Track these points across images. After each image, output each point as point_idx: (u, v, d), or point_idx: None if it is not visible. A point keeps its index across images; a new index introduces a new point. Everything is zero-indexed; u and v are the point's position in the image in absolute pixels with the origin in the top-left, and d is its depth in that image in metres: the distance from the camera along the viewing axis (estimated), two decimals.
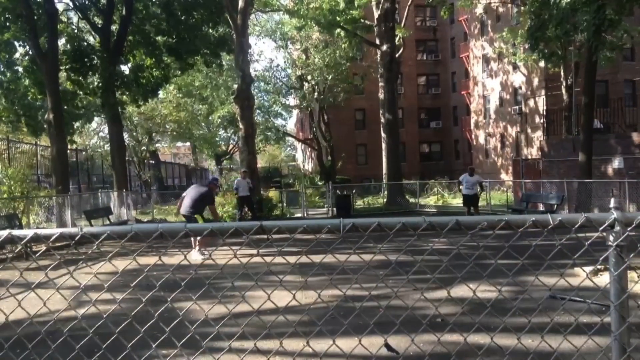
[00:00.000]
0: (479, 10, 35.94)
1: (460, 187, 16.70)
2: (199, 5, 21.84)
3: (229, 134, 47.60)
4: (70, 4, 22.90)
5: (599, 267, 6.34)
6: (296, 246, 8.68)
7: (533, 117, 33.10)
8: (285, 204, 23.41)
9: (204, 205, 10.67)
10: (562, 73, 26.06)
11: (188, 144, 53.94)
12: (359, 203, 24.78)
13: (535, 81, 32.96)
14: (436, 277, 3.53)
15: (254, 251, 9.12)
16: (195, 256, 9.64)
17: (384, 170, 25.49)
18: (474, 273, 5.75)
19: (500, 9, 34.97)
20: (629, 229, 1.81)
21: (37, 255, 9.71)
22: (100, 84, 20.99)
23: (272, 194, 24.34)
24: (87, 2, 21.79)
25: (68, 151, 22.16)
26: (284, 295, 2.74)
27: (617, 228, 1.80)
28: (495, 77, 37.81)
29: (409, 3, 29.73)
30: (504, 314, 4.84)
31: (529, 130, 33.51)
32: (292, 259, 2.75)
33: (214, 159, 52.79)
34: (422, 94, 46.76)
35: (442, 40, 46.81)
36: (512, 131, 36.06)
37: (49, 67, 17.82)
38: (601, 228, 1.81)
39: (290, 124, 58.22)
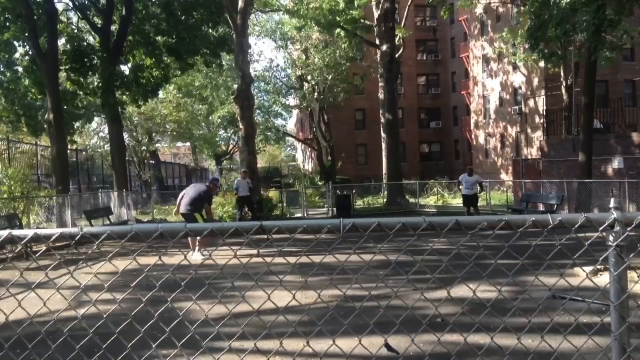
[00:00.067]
0: (479, 10, 35.94)
1: (460, 187, 16.71)
2: (199, 5, 21.84)
3: (229, 134, 47.63)
4: (70, 4, 22.91)
5: (598, 267, 6.34)
6: (296, 246, 8.69)
7: (533, 117, 33.10)
8: (285, 204, 23.41)
9: (203, 204, 10.64)
10: (562, 73, 26.06)
11: (188, 144, 53.94)
12: (359, 203, 24.78)
13: (535, 81, 32.96)
14: (436, 277, 3.53)
15: (254, 251, 9.12)
16: (195, 256, 9.64)
17: (384, 170, 25.49)
18: (474, 273, 5.76)
19: (500, 9, 34.97)
20: (628, 229, 1.81)
21: (37, 255, 9.71)
22: (100, 84, 20.99)
23: (272, 194, 24.34)
24: (86, 2, 21.79)
25: (68, 151, 22.16)
26: (284, 295, 2.75)
27: (617, 228, 1.80)
28: (495, 77, 37.81)
29: (409, 3, 29.73)
30: (504, 314, 4.84)
31: (529, 130, 33.51)
32: (292, 259, 2.75)
33: (214, 159, 52.79)
34: (422, 94, 46.76)
35: (442, 40, 46.81)
36: (512, 131, 36.06)
37: (48, 67, 17.81)
38: (601, 228, 1.81)
39: (290, 124, 58.30)
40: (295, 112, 50.05)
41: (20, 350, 3.16)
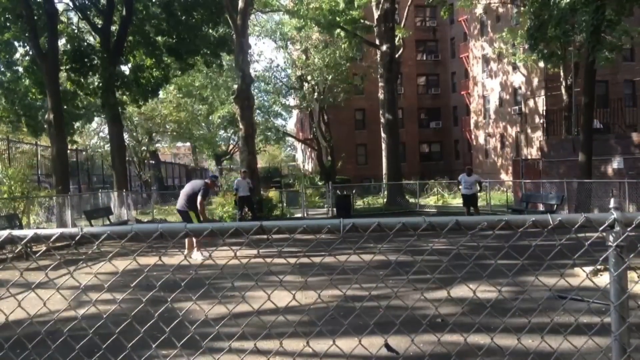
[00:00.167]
0: (479, 10, 35.94)
1: (460, 187, 16.72)
2: (199, 5, 21.85)
3: (229, 134, 47.64)
4: (70, 4, 22.90)
5: (599, 267, 6.34)
6: (296, 246, 8.69)
7: (533, 117, 33.11)
8: (285, 204, 23.41)
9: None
10: (561, 73, 26.06)
11: (188, 144, 53.95)
12: (359, 203, 24.78)
13: (535, 81, 32.96)
14: (436, 277, 3.53)
15: (254, 251, 9.12)
16: (195, 255, 9.63)
17: (384, 170, 25.49)
18: (473, 273, 5.76)
19: (500, 10, 34.98)
20: (628, 229, 1.81)
21: (37, 255, 9.71)
22: (100, 84, 20.99)
23: (272, 194, 24.34)
24: (87, 2, 21.79)
25: (68, 151, 22.16)
26: (284, 296, 2.75)
27: (617, 228, 1.80)
28: (495, 78, 37.82)
29: (408, 3, 29.74)
30: (504, 314, 4.83)
31: (529, 131, 33.52)
32: (292, 259, 2.75)
33: (214, 159, 52.80)
34: (422, 94, 46.78)
35: (442, 41, 46.82)
36: (512, 131, 36.07)
37: (49, 67, 17.82)
38: (601, 228, 1.81)
39: (290, 124, 58.31)
40: (295, 112, 50.06)
41: (20, 350, 3.16)
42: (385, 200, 24.35)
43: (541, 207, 16.67)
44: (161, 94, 32.85)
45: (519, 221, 1.83)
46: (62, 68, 20.27)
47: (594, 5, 14.80)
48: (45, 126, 19.73)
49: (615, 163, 17.61)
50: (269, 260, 7.69)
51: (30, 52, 20.22)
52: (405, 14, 29.63)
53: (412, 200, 23.89)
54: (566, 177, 18.20)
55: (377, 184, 28.56)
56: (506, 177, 32.96)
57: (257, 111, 38.21)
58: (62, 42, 21.49)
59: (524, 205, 17.00)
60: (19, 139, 26.30)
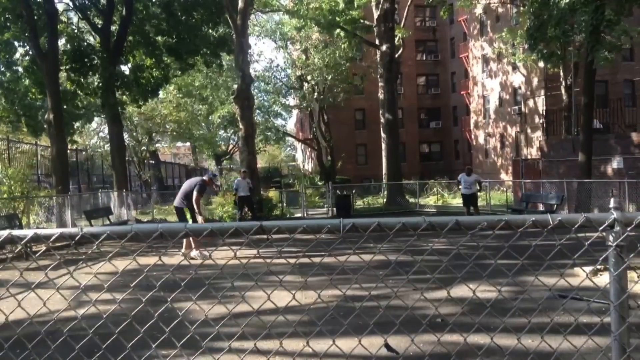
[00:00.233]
0: (479, 10, 35.94)
1: (459, 187, 16.73)
2: (199, 5, 21.85)
3: (229, 134, 47.62)
4: (70, 4, 22.91)
5: (598, 267, 6.34)
6: (296, 246, 8.69)
7: (533, 117, 33.11)
8: (285, 204, 23.41)
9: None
10: (561, 73, 26.07)
11: (188, 144, 53.94)
12: (359, 203, 24.79)
13: (535, 81, 32.97)
14: (436, 277, 3.53)
15: (254, 251, 9.12)
16: (194, 254, 9.62)
17: (384, 170, 25.50)
18: (473, 273, 5.76)
19: (500, 10, 34.97)
20: (628, 229, 1.81)
21: (37, 255, 9.71)
22: (100, 84, 20.99)
23: (272, 194, 24.35)
24: (87, 2, 21.80)
25: (68, 151, 22.17)
26: (284, 296, 2.75)
27: (617, 228, 1.80)
28: (495, 78, 37.83)
29: (408, 3, 29.74)
30: (503, 314, 4.83)
31: (529, 131, 33.52)
32: (292, 259, 2.75)
33: (214, 159, 52.80)
34: (421, 94, 46.78)
35: (441, 41, 46.82)
36: (512, 131, 36.07)
37: (49, 67, 17.82)
38: (601, 228, 1.81)
39: (290, 124, 58.31)
40: (295, 112, 50.06)
41: (20, 350, 3.16)
42: (385, 200, 24.35)
43: (541, 207, 16.67)
44: (161, 94, 32.86)
45: (519, 221, 1.83)
46: (62, 68, 20.27)
47: (593, 5, 14.80)
48: (45, 126, 19.73)
49: (615, 163, 17.61)
50: (268, 260, 7.70)
51: (30, 52, 20.22)
52: (405, 14, 29.63)
53: (412, 200, 23.89)
54: (566, 177, 18.21)
55: (377, 184, 28.56)
56: (506, 177, 32.97)
57: (257, 111, 38.23)
58: (62, 42, 21.50)
59: (524, 205, 17.01)
60: (19, 139, 26.30)
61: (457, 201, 22.62)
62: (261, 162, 49.52)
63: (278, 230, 1.85)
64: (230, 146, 50.52)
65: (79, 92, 22.09)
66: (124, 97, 22.84)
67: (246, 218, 16.17)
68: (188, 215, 10.31)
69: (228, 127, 42.90)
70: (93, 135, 39.59)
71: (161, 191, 34.36)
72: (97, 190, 21.77)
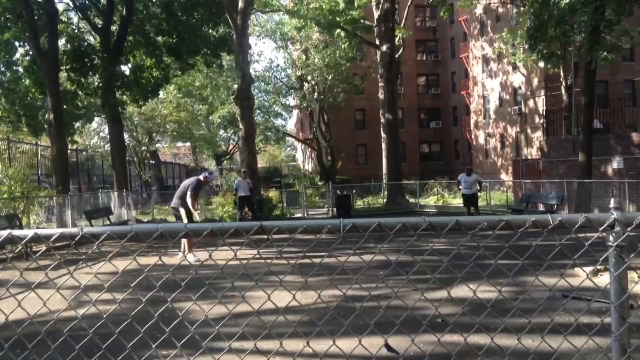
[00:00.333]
0: (479, 10, 35.94)
1: (460, 187, 16.73)
2: (199, 5, 21.85)
3: (229, 134, 47.64)
4: (71, 4, 22.92)
5: (599, 267, 6.34)
6: (296, 246, 8.68)
7: (533, 118, 33.11)
8: (285, 204, 23.41)
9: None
10: (561, 73, 26.07)
11: (188, 144, 53.97)
12: (359, 203, 24.79)
13: (535, 81, 32.96)
14: (436, 277, 3.53)
15: (255, 251, 9.12)
16: (189, 258, 9.44)
17: (384, 170, 25.49)
18: (474, 273, 5.76)
19: (500, 10, 34.98)
20: (629, 229, 1.81)
21: (37, 255, 9.71)
22: (100, 84, 21.00)
23: (272, 194, 24.35)
24: (87, 2, 21.80)
25: (68, 151, 22.17)
26: (284, 296, 2.74)
27: (617, 228, 1.80)
28: (495, 78, 37.82)
29: (408, 3, 29.74)
30: (504, 315, 4.84)
31: (529, 131, 33.52)
32: (292, 259, 2.75)
33: (214, 159, 52.82)
34: (422, 94, 46.79)
35: (441, 41, 46.83)
36: (512, 131, 36.07)
37: (49, 67, 17.82)
38: (601, 228, 1.81)
39: (290, 124, 58.30)
40: (295, 112, 50.07)
41: (20, 350, 3.16)
42: (385, 200, 24.35)
43: (541, 207, 16.67)
44: (161, 94, 32.86)
45: (519, 221, 1.83)
46: (62, 68, 20.27)
47: (593, 6, 14.80)
48: (45, 126, 19.73)
49: (615, 163, 17.61)
50: (269, 260, 7.70)
51: (30, 52, 20.22)
52: (405, 14, 29.63)
53: (412, 200, 23.89)
54: (566, 177, 18.20)
55: (377, 184, 28.56)
56: (506, 177, 32.97)
57: (257, 111, 38.22)
58: (62, 42, 21.51)
59: (524, 205, 17.00)
60: (19, 139, 26.29)
61: (458, 201, 22.62)
62: (261, 162, 49.51)
63: (278, 230, 1.85)
64: (231, 146, 50.53)
65: (79, 92, 22.10)
66: (124, 97, 22.85)
67: (246, 218, 16.17)
68: (184, 214, 10.21)
69: (228, 127, 42.92)
70: (93, 135, 39.60)
71: (161, 191, 34.35)
72: (98, 190, 21.77)
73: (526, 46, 23.50)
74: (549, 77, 30.45)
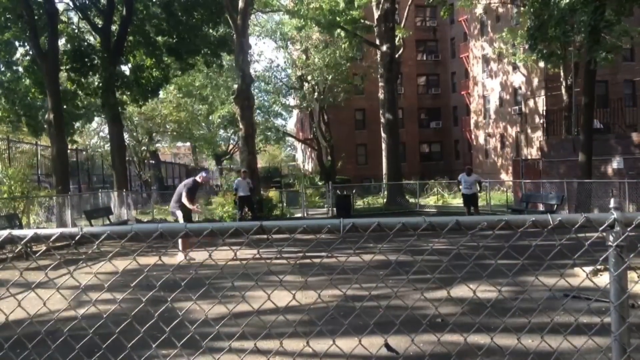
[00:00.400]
0: (479, 10, 35.94)
1: (460, 187, 16.73)
2: (199, 5, 21.85)
3: (229, 134, 47.64)
4: (71, 4, 22.91)
5: (599, 267, 6.34)
6: (296, 246, 8.68)
7: (533, 118, 33.11)
8: (285, 204, 23.41)
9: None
10: (561, 73, 26.07)
11: (188, 144, 53.97)
12: (359, 203, 24.78)
13: (535, 81, 32.96)
14: (436, 277, 3.53)
15: (254, 251, 9.11)
16: (179, 257, 9.39)
17: (384, 170, 25.49)
18: (474, 273, 5.75)
19: (500, 10, 34.98)
20: (628, 229, 1.81)
21: (37, 255, 9.71)
22: (100, 84, 20.99)
23: (272, 194, 24.35)
24: (87, 2, 21.80)
25: (68, 151, 22.17)
26: (284, 295, 2.74)
27: (617, 228, 1.80)
28: (495, 78, 37.82)
29: (409, 3, 29.74)
30: (504, 314, 4.84)
31: (529, 131, 33.52)
32: (292, 259, 2.75)
33: (214, 159, 52.82)
34: (422, 94, 46.79)
35: (442, 41, 46.83)
36: (512, 131, 36.07)
37: (49, 67, 17.82)
38: (601, 228, 1.81)
39: (290, 124, 58.30)
40: (295, 112, 50.07)
41: (20, 350, 3.16)
42: (385, 200, 24.35)
43: (541, 207, 16.67)
44: (161, 94, 32.86)
45: (519, 221, 1.83)
46: (62, 68, 20.27)
47: (593, 6, 14.80)
48: (45, 126, 19.73)
49: (615, 163, 17.61)
50: (269, 260, 7.69)
51: (30, 52, 20.22)
52: (405, 14, 29.63)
53: (412, 200, 23.89)
54: (566, 177, 18.20)
55: (377, 184, 28.56)
56: (506, 177, 32.97)
57: (257, 111, 38.22)
58: (62, 42, 21.51)
59: (524, 205, 17.00)
60: (19, 138, 26.29)
61: (458, 201, 22.62)
62: (261, 162, 49.52)
63: (278, 230, 1.85)
64: (230, 146, 50.52)
65: (79, 92, 22.10)
66: (124, 97, 22.85)
67: (246, 218, 16.17)
68: (180, 217, 10.22)
69: (228, 127, 42.92)
70: (93, 135, 39.60)
71: (161, 191, 34.33)
72: (97, 190, 21.77)
73: (526, 46, 23.51)
74: (549, 77, 30.45)
